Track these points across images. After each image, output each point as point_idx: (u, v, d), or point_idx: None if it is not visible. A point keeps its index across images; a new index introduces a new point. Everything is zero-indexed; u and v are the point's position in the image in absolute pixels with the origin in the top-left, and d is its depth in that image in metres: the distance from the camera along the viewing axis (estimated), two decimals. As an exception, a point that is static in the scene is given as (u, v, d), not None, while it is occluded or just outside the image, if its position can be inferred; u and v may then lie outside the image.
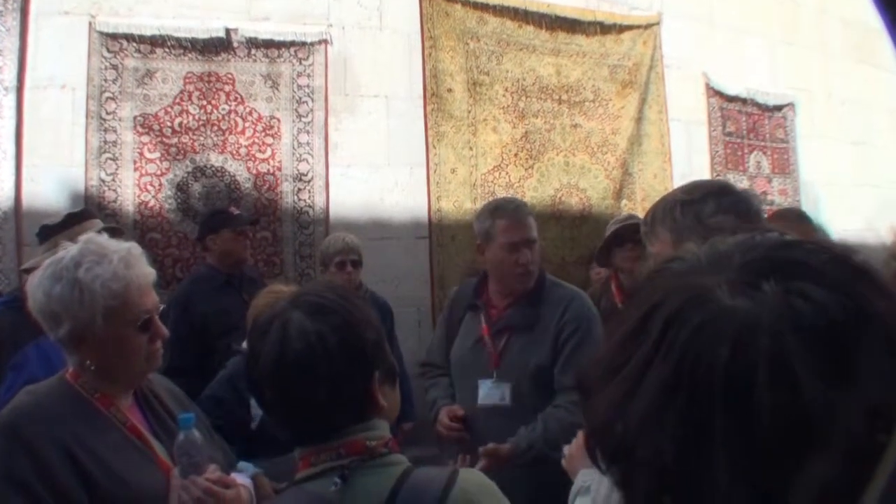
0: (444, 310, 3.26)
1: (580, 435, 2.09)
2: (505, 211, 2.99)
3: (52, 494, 1.65)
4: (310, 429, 1.41)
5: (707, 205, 1.74)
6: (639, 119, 6.51)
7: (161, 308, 1.98)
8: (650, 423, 0.64)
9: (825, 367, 0.59)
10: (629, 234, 3.97)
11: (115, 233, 2.20)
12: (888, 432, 0.57)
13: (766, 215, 2.20)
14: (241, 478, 2.04)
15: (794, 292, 0.62)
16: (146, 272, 1.89)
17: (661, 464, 0.63)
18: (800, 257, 0.67)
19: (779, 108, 7.44)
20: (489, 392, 2.88)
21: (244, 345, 2.93)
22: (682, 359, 0.63)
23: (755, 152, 7.34)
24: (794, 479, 0.59)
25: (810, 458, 0.58)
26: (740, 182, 7.06)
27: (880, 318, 0.62)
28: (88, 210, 3.86)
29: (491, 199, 5.42)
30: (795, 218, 3.55)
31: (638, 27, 6.56)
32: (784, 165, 7.48)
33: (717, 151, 7.04)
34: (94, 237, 1.90)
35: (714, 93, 7.03)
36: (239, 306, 3.46)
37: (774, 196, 7.36)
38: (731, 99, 7.16)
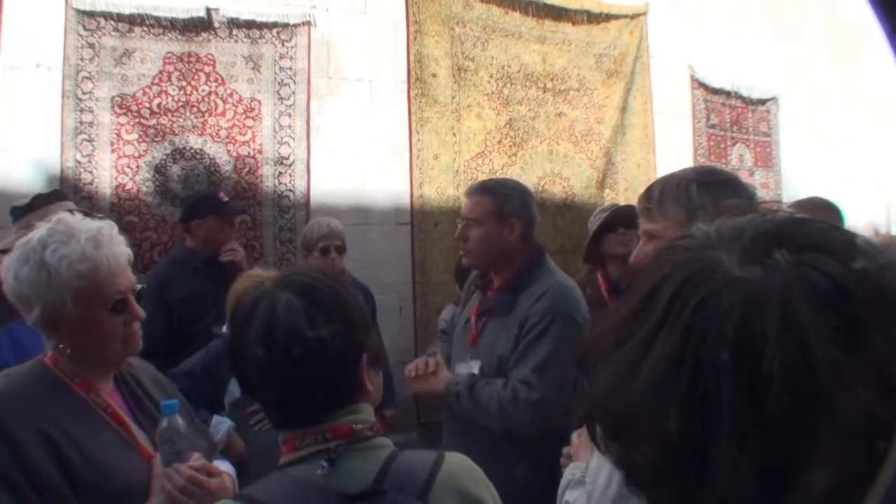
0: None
1: (577, 434, 2.07)
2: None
3: (31, 482, 1.61)
4: (296, 412, 1.38)
5: (723, 191, 1.73)
6: (623, 109, 6.52)
7: (140, 288, 1.91)
8: (655, 397, 0.63)
9: (838, 336, 0.58)
10: (620, 219, 3.96)
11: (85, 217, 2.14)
12: (889, 438, 0.56)
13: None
14: (224, 465, 2.00)
15: (806, 263, 0.62)
16: (117, 252, 1.83)
17: (664, 439, 0.62)
18: (812, 232, 0.67)
19: (763, 101, 7.49)
20: (461, 371, 2.92)
21: (224, 328, 2.90)
22: (689, 330, 0.62)
23: (738, 145, 7.39)
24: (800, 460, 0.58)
25: (820, 434, 0.57)
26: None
27: (893, 295, 0.61)
28: (58, 191, 3.78)
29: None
30: (823, 208, 3.59)
31: (625, 17, 6.55)
32: (766, 159, 7.53)
33: (700, 143, 7.07)
34: (64, 217, 1.84)
35: (699, 85, 7.07)
36: (216, 290, 3.39)
37: (756, 190, 7.39)
38: (716, 91, 7.20)
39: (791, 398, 0.57)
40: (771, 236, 0.66)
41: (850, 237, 0.67)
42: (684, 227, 1.69)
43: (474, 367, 2.88)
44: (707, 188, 1.74)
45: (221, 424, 2.90)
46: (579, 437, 2.05)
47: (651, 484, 0.67)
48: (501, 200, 2.93)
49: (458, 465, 1.44)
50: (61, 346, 1.79)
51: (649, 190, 1.85)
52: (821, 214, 3.46)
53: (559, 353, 2.66)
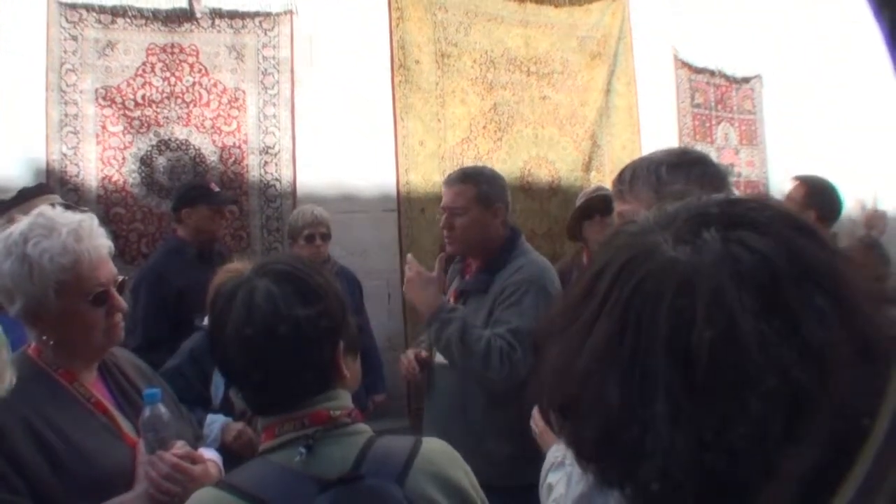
0: None
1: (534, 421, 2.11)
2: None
3: (17, 472, 1.63)
4: (275, 397, 1.41)
5: (693, 171, 1.75)
6: (607, 91, 6.52)
7: (121, 279, 1.94)
8: (597, 371, 0.67)
9: (762, 308, 0.61)
10: (597, 206, 4.04)
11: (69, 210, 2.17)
12: (871, 416, 0.57)
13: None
14: (209, 453, 2.03)
15: (733, 240, 0.66)
16: (98, 244, 1.85)
17: (605, 411, 0.65)
18: (742, 212, 0.70)
19: (746, 80, 7.51)
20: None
21: (206, 321, 2.94)
22: (628, 308, 0.66)
23: (723, 124, 7.41)
24: (736, 427, 0.60)
25: (751, 402, 0.60)
26: (708, 154, 7.10)
27: (818, 268, 0.65)
28: (44, 185, 3.80)
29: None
30: (821, 186, 3.62)
31: (606, -2, 6.55)
32: (751, 137, 7.55)
33: (685, 123, 7.09)
34: (45, 210, 1.86)
35: (682, 64, 7.07)
36: (211, 280, 3.43)
37: (742, 168, 7.43)
38: (699, 71, 7.21)
39: (719, 370, 0.61)
40: (702, 217, 0.70)
41: (781, 213, 0.71)
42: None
43: None
44: (677, 169, 1.77)
45: (214, 423, 2.93)
46: (541, 426, 2.09)
47: (597, 457, 0.71)
48: (485, 187, 3.00)
49: (436, 449, 1.48)
50: (44, 337, 1.82)
51: (622, 172, 1.89)
52: (818, 192, 3.52)
53: (533, 321, 2.72)
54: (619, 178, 1.89)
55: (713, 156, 7.02)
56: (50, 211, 1.87)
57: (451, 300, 3.05)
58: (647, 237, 0.71)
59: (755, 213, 0.70)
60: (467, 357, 2.72)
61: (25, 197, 3.21)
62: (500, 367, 2.68)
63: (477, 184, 3.00)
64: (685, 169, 1.78)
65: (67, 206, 2.69)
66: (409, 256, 2.95)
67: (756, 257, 0.64)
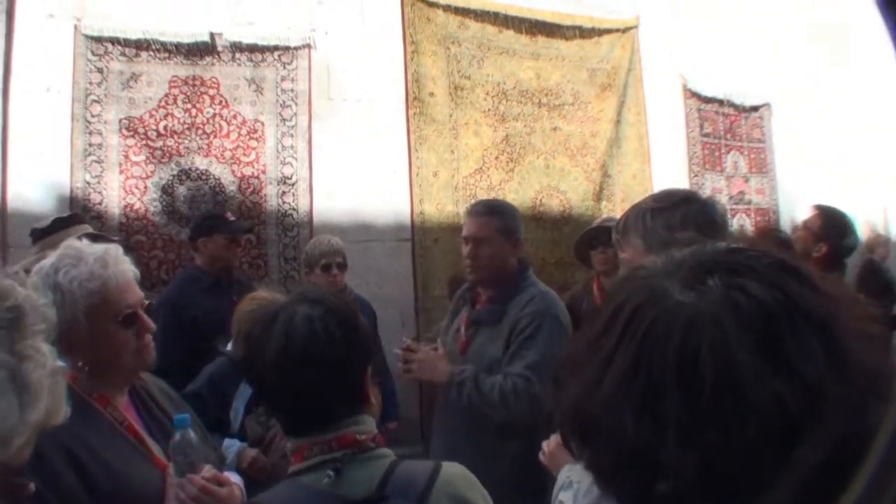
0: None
1: (557, 436, 2.18)
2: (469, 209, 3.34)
3: (52, 491, 1.68)
4: (307, 420, 1.49)
5: (676, 213, 1.84)
6: (617, 121, 6.61)
7: (148, 303, 2.02)
8: (614, 402, 0.75)
9: (758, 346, 0.70)
10: (602, 237, 4.13)
11: (98, 239, 2.26)
12: (859, 440, 0.62)
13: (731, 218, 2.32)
14: (234, 476, 2.10)
15: (734, 287, 0.74)
16: (125, 269, 1.93)
17: (622, 436, 0.73)
18: (742, 260, 0.79)
19: (755, 108, 7.56)
20: None
21: (229, 346, 3.01)
22: (642, 345, 0.74)
23: (732, 152, 7.46)
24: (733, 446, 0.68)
25: (749, 427, 0.68)
26: (717, 182, 7.20)
27: (809, 309, 0.73)
28: (76, 215, 3.89)
29: (473, 201, 5.47)
30: (837, 216, 3.66)
31: (616, 31, 6.66)
32: (761, 165, 7.60)
33: (694, 152, 7.15)
34: (72, 242, 1.96)
35: (691, 94, 7.14)
36: (228, 308, 3.49)
37: (752, 195, 7.48)
38: (709, 100, 7.27)
39: (721, 400, 0.69)
40: (706, 266, 0.79)
41: (778, 261, 0.79)
42: (645, 255, 1.81)
43: None
44: (660, 214, 1.86)
45: (231, 447, 3.00)
46: (551, 448, 2.17)
47: (615, 480, 0.80)
48: (508, 220, 3.15)
49: (455, 473, 1.55)
50: (79, 363, 1.91)
51: (618, 223, 1.99)
52: (835, 227, 3.58)
53: (550, 352, 2.82)
54: (616, 228, 1.99)
55: (723, 184, 7.11)
56: (77, 243, 1.96)
57: (463, 328, 3.15)
58: (656, 281, 0.80)
59: (754, 262, 0.78)
60: (489, 407, 2.82)
61: (59, 226, 3.30)
62: (517, 403, 2.77)
63: (501, 216, 3.14)
64: (668, 213, 1.86)
65: (99, 236, 2.80)
66: (408, 340, 3.11)
67: (753, 302, 0.72)
